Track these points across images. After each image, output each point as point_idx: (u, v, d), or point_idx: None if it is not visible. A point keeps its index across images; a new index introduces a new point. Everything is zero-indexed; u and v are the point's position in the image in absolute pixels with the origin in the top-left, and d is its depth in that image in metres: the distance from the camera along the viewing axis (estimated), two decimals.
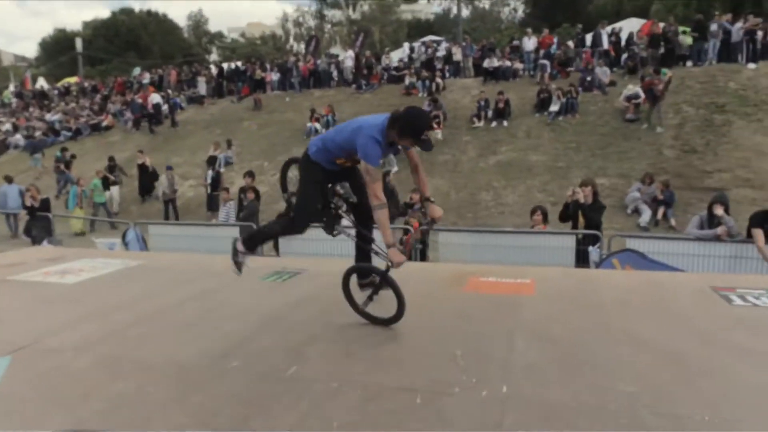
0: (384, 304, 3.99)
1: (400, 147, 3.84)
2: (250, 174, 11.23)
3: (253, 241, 4.45)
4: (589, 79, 18.03)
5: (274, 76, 24.53)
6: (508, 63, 20.48)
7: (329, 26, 46.39)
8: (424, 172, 4.05)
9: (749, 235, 6.34)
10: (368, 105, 20.75)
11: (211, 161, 17.44)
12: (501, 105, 17.48)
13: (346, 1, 43.04)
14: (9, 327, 4.38)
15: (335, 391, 3.08)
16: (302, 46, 45.01)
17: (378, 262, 4.20)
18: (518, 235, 7.27)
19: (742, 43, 17.95)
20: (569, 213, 7.53)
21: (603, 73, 18.00)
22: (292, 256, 7.75)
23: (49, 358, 3.65)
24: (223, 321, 4.41)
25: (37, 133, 24.28)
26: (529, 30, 22.09)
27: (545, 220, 7.41)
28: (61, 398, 3.13)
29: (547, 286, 5.27)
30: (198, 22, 56.89)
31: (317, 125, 19.50)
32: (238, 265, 4.45)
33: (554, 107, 17.02)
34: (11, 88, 35.40)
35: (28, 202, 13.20)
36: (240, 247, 4.38)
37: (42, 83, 35.74)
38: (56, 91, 31.61)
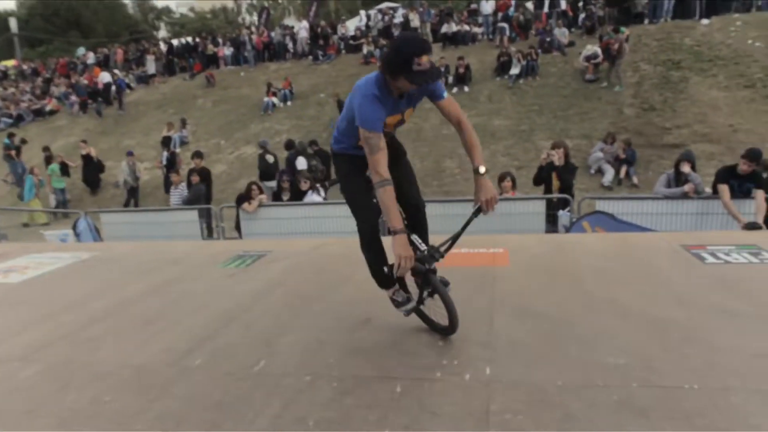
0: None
1: (413, 95, 3.06)
2: (198, 155, 10.72)
3: (383, 278, 3.39)
4: (548, 40, 17.89)
5: (227, 51, 23.61)
6: (466, 27, 20.16)
7: None
8: (472, 131, 3.16)
9: (715, 192, 6.34)
10: (326, 76, 20.23)
11: (166, 142, 16.80)
12: (461, 70, 17.22)
13: None
14: None
15: (308, 385, 2.87)
16: (255, 18, 43.59)
17: None
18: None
19: None
20: (543, 176, 7.42)
21: (561, 33, 17.89)
22: (255, 237, 7.44)
23: None
24: (185, 315, 4.14)
25: None
26: None
27: (514, 186, 7.27)
28: (4, 415, 2.83)
29: (521, 255, 5.15)
30: None
31: (274, 99, 18.93)
32: (405, 304, 3.41)
33: (515, 70, 16.86)
34: None
35: None
36: (393, 295, 3.44)
37: None
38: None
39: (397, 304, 3.41)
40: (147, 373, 3.18)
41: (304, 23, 23.52)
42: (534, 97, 16.09)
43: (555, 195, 7.11)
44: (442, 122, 15.94)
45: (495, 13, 20.27)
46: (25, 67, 29.78)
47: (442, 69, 17.35)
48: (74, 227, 8.80)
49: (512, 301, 3.93)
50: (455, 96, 16.93)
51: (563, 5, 19.24)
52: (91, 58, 26.03)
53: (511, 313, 3.69)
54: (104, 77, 22.18)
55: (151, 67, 23.98)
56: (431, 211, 6.54)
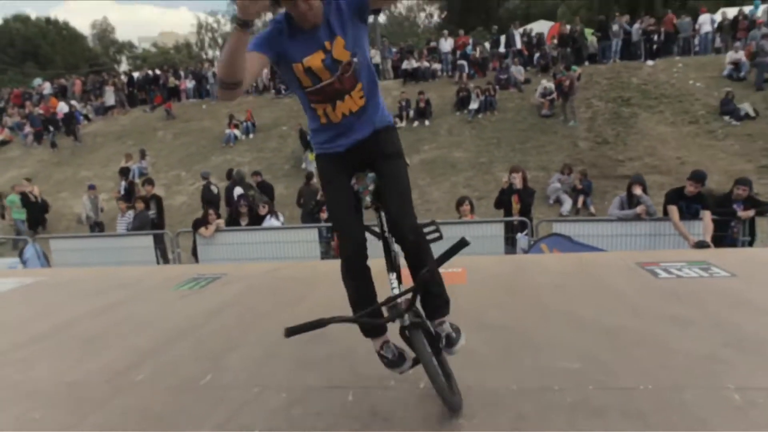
0: None
1: (330, 18, 2.26)
2: (149, 182, 10.47)
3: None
4: (504, 77, 18.45)
5: (189, 84, 23.49)
6: (426, 64, 20.64)
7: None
8: None
9: (665, 213, 6.52)
10: (288, 110, 20.28)
11: (124, 172, 16.38)
12: (422, 104, 17.54)
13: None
14: None
15: (255, 396, 2.74)
16: (218, 52, 43.74)
17: None
18: (447, 226, 7.10)
19: (641, 42, 19.07)
20: (504, 199, 7.51)
21: (518, 71, 18.49)
22: (212, 263, 7.24)
23: None
24: (129, 334, 3.94)
25: None
26: (446, 32, 22.40)
27: (472, 210, 7.33)
28: None
29: (480, 274, 5.13)
30: (104, 31, 54.01)
31: (236, 131, 18.82)
32: (399, 364, 2.54)
33: (474, 105, 17.26)
34: None
35: None
36: (381, 349, 2.59)
37: None
38: None
39: (388, 363, 2.51)
40: (82, 388, 2.99)
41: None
42: (492, 130, 16.46)
43: (515, 218, 7.19)
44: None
45: (454, 51, 20.86)
46: None
47: (404, 103, 17.69)
48: (20, 254, 8.39)
49: (469, 315, 3.87)
50: (416, 129, 17.23)
51: (518, 45, 19.96)
52: (47, 88, 25.46)
53: (467, 325, 3.60)
54: (62, 107, 21.69)
55: (110, 98, 23.56)
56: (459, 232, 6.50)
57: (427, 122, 17.43)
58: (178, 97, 23.26)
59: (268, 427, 2.41)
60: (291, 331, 2.22)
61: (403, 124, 17.58)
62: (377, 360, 3.05)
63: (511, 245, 7.12)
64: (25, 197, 14.80)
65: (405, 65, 20.62)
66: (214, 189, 12.29)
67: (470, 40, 21.40)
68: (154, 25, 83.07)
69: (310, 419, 2.47)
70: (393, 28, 39.69)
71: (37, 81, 28.55)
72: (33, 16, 47.75)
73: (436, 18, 40.36)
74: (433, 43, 21.95)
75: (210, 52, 46.18)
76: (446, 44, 20.88)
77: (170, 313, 4.42)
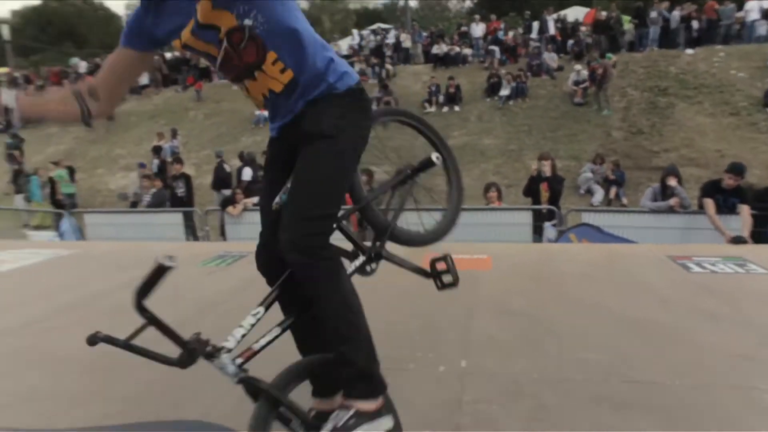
0: None
1: None
2: (177, 160, 10.67)
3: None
4: (536, 63, 18.11)
5: None
6: (457, 49, 20.37)
7: None
8: None
9: (700, 207, 6.34)
10: None
11: (157, 151, 16.68)
12: (452, 90, 17.36)
13: None
14: None
15: (275, 374, 2.76)
16: None
17: None
18: (473, 212, 7.07)
19: (680, 29, 18.42)
20: (533, 187, 7.43)
21: (550, 58, 18.12)
22: (239, 241, 7.33)
23: None
24: (158, 307, 3.99)
25: None
26: (477, 17, 22.06)
27: (500, 197, 7.25)
28: None
29: (505, 261, 5.08)
30: None
31: (266, 113, 18.89)
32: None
33: (504, 91, 17.01)
34: None
35: None
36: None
37: None
38: None
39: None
40: (107, 359, 3.05)
41: None
42: (524, 117, 16.22)
43: (543, 206, 7.09)
44: None
45: (485, 36, 20.54)
46: (17, 74, 29.65)
47: (433, 88, 17.52)
48: (57, 227, 8.64)
49: (492, 301, 3.86)
50: (445, 114, 17.07)
51: (552, 31, 19.53)
52: (82, 67, 25.98)
53: (490, 312, 3.61)
54: None
55: (143, 77, 23.91)
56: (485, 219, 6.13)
57: (456, 108, 17.26)
58: (209, 78, 23.45)
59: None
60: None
61: (433, 109, 17.45)
62: (397, 342, 3.08)
63: (538, 234, 7.04)
64: (71, 170, 15.02)
65: (435, 50, 20.39)
66: (227, 168, 12.47)
67: (502, 26, 21.02)
68: None
69: None
70: (424, 12, 39.21)
71: (73, 60, 29.11)
72: None
73: (468, 2, 39.71)
74: (464, 28, 21.62)
75: None
76: (478, 29, 20.58)
77: (198, 288, 4.49)
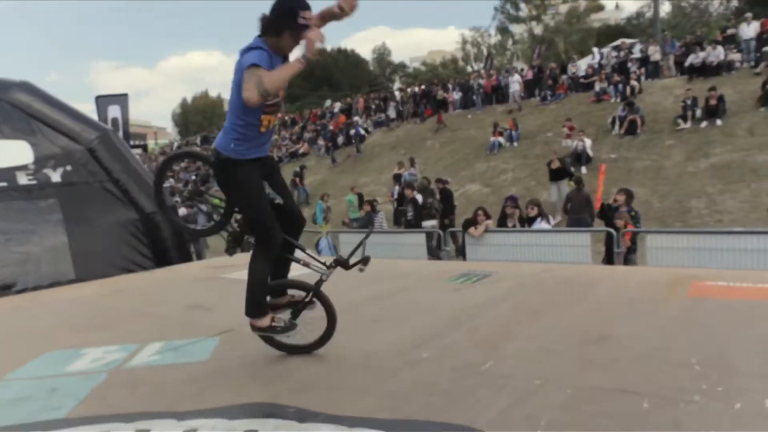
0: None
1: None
2: (408, 186, 11.38)
3: (262, 300, 3.24)
4: None
5: (456, 95, 24.67)
6: (719, 55, 17.82)
7: (510, 42, 45.62)
8: None
9: None
10: (554, 115, 19.72)
11: (397, 178, 17.95)
12: (713, 102, 15.25)
13: (529, 16, 41.93)
14: (218, 314, 4.71)
15: (538, 388, 2.65)
16: (482, 65, 45.04)
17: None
18: (753, 236, 6.01)
19: None
20: None
21: None
22: (479, 262, 7.40)
23: (251, 340, 3.77)
24: (411, 317, 4.23)
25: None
26: (749, 15, 19.01)
27: None
28: (260, 375, 3.18)
29: None
30: (382, 55, 60.24)
31: (500, 139, 19.05)
32: (290, 328, 3.25)
33: None
34: None
35: None
36: (259, 323, 3.20)
37: None
38: None
39: (281, 330, 3.22)
40: (377, 358, 3.29)
41: (516, 77, 23.03)
42: None
43: None
44: (687, 159, 14.38)
45: (759, 36, 17.65)
46: (286, 118, 35.07)
47: (689, 102, 15.65)
48: (316, 245, 9.84)
49: None
50: (703, 130, 15.12)
51: None
52: (336, 107, 29.53)
53: None
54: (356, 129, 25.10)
55: (393, 112, 26.18)
56: (678, 243, 5.76)
57: (718, 122, 15.10)
58: (445, 109, 24.59)
59: (557, 420, 2.30)
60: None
61: (688, 125, 15.60)
62: (674, 371, 2.73)
63: None
64: (361, 198, 16.20)
65: (691, 59, 18.23)
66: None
67: None
68: (425, 46, 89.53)
69: (601, 419, 2.28)
70: (677, 20, 35.53)
71: (328, 102, 33.36)
72: (328, 48, 55.97)
73: (734, 2, 34.68)
74: (731, 30, 18.89)
75: (474, 65, 47.76)
76: (749, 29, 17.80)
77: (445, 303, 4.63)
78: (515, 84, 22.32)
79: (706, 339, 3.22)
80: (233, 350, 3.63)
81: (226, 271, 7.00)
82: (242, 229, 3.38)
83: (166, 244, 8.06)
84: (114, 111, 13.83)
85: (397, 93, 29.32)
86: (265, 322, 3.19)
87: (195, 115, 63.20)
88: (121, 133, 12.72)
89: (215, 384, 3.05)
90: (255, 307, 3.18)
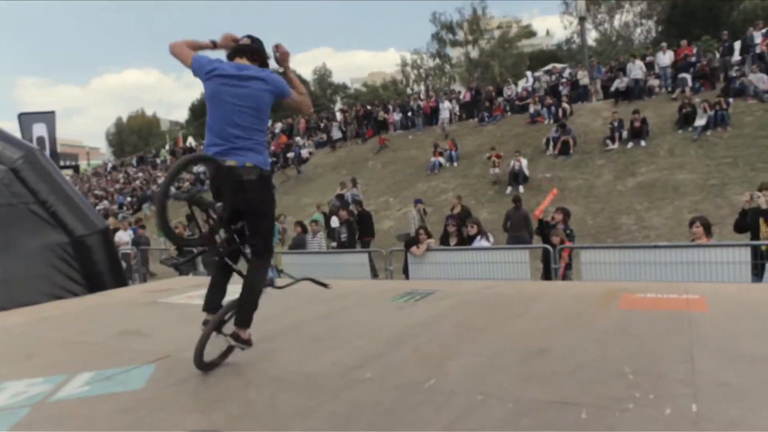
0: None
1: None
2: (343, 207, 11.81)
3: (252, 315, 3.47)
4: (738, 86, 16.16)
5: (396, 116, 25.04)
6: (639, 78, 18.93)
7: (448, 66, 46.83)
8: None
9: None
10: (491, 136, 20.34)
11: (339, 199, 17.93)
12: (637, 124, 16.19)
13: (465, 40, 43.26)
14: (154, 340, 4.52)
15: (481, 403, 2.68)
16: (422, 87, 45.98)
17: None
18: (676, 249, 6.35)
19: None
20: (747, 222, 6.50)
21: (759, 79, 16.01)
22: (421, 281, 7.46)
23: (187, 367, 3.63)
24: (353, 337, 4.19)
25: (186, 184, 26.73)
26: (664, 45, 20.45)
27: (708, 232, 6.44)
28: (199, 401, 3.05)
29: (724, 302, 4.46)
30: (323, 76, 60.49)
31: (441, 159, 19.44)
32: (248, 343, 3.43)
33: (700, 121, 15.40)
34: (167, 147, 39.77)
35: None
36: (246, 334, 3.38)
37: (191, 141, 39.73)
38: (202, 147, 34.97)
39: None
40: (318, 379, 3.23)
41: (447, 104, 23.64)
42: (725, 149, 14.48)
43: (763, 242, 6.14)
44: (616, 178, 15.11)
45: (674, 64, 18.95)
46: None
47: (615, 124, 16.52)
48: None
49: (717, 343, 3.38)
50: (630, 151, 15.99)
51: (760, 48, 17.34)
52: (278, 127, 29.30)
53: (717, 354, 3.15)
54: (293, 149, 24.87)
55: (336, 133, 26.20)
56: (609, 258, 6.04)
57: (642, 143, 16.05)
58: (386, 129, 24.89)
59: None
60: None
61: (616, 145, 16.47)
62: (609, 380, 2.82)
63: (758, 276, 6.10)
64: (326, 216, 15.20)
65: (617, 84, 19.32)
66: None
67: (694, 50, 19.26)
68: (365, 68, 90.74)
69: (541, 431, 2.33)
70: (603, 47, 37.62)
71: (269, 122, 33.10)
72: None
73: (653, 33, 37.14)
74: (649, 58, 20.21)
75: (415, 87, 48.69)
76: (665, 57, 19.13)
77: (389, 322, 4.62)
78: (445, 111, 22.94)
79: (637, 349, 3.35)
80: (170, 376, 3.47)
81: (163, 296, 6.75)
82: (231, 245, 3.44)
83: (99, 268, 7.69)
84: (39, 129, 13.22)
85: (338, 114, 29.44)
86: (247, 334, 3.36)
87: (130, 135, 61.35)
88: (48, 153, 12.11)
89: (151, 413, 2.90)
90: (250, 318, 3.40)
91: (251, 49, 3.45)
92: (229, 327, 3.38)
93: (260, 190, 3.26)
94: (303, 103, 3.48)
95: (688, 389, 2.66)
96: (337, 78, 62.22)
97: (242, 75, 3.27)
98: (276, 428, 2.58)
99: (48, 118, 14.12)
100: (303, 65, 77.91)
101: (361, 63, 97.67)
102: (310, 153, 25.63)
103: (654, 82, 18.99)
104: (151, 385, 3.35)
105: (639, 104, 17.95)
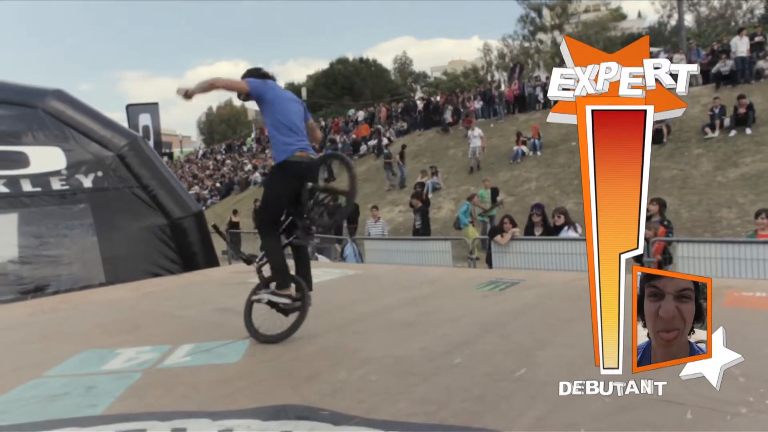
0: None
1: None
2: (416, 195, 12.06)
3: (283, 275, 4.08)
4: None
5: (477, 104, 24.62)
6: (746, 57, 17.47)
7: (533, 52, 45.39)
8: None
9: None
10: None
11: (420, 186, 17.92)
12: (742, 110, 14.99)
13: (552, 25, 41.75)
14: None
15: (575, 396, 2.60)
16: (504, 75, 44.87)
17: None
18: (740, 245, 5.91)
19: None
20: None
21: None
22: (506, 269, 7.35)
23: (279, 345, 3.78)
24: (440, 324, 4.20)
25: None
26: None
27: None
28: (291, 378, 3.18)
29: None
30: (403, 65, 60.42)
31: (523, 148, 18.94)
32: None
33: None
34: (252, 135, 41.32)
35: None
36: (282, 297, 3.95)
37: None
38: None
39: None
40: (408, 363, 3.27)
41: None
42: None
43: None
44: (716, 168, 14.12)
45: None
46: None
47: (716, 110, 15.40)
48: (342, 252, 9.86)
49: None
50: (732, 139, 14.86)
51: None
52: (360, 115, 29.68)
53: None
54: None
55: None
56: (709, 253, 5.69)
57: (748, 131, 14.85)
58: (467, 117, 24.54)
59: (594, 428, 2.26)
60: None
61: (716, 134, 15.35)
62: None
63: None
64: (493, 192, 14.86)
65: (719, 66, 17.97)
66: None
67: None
68: (446, 55, 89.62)
69: (642, 428, 2.24)
70: (702, 28, 35.06)
71: (351, 111, 33.58)
72: (350, 57, 56.44)
73: (761, 10, 34.12)
74: (758, 38, 18.60)
75: (496, 74, 47.62)
76: None
77: (475, 310, 4.59)
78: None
79: (748, 350, 3.13)
80: (264, 353, 3.64)
81: (252, 277, 7.05)
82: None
83: (193, 249, 8.16)
84: (145, 119, 14.17)
85: (419, 102, 29.37)
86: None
87: (219, 124, 64.23)
88: (152, 141, 12.94)
89: (247, 385, 3.06)
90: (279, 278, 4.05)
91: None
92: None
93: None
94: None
95: None
96: (417, 67, 61.99)
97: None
98: (366, 409, 2.64)
99: (152, 109, 15.11)
100: (384, 54, 78.00)
101: (441, 51, 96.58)
102: (390, 140, 25.77)
103: (763, 64, 17.48)
104: (246, 360, 3.53)
105: (745, 88, 16.61)
